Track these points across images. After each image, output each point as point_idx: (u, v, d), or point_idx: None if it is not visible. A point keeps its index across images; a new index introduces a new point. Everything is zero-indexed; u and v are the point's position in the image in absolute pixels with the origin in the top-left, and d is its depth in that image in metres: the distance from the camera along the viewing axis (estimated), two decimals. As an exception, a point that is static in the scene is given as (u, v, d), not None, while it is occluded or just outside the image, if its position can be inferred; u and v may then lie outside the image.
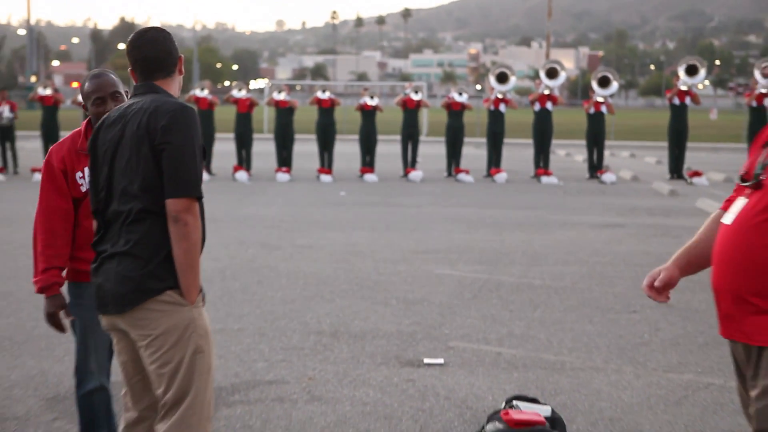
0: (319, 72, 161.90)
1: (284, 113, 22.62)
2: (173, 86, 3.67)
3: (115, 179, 3.57)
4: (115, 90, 4.28)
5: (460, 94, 23.52)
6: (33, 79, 66.62)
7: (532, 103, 23.23)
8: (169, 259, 3.50)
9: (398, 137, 23.52)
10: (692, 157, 26.69)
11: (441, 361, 6.86)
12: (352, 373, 6.57)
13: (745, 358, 3.30)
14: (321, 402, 5.95)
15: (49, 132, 22.83)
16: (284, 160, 22.40)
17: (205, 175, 21.02)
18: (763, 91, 21.90)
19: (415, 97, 23.10)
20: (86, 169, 4.22)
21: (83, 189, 4.23)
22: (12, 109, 22.47)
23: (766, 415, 3.20)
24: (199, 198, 3.51)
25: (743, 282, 3.21)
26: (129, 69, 3.72)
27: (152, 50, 3.64)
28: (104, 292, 3.58)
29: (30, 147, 26.79)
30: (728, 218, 3.28)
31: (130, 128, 3.52)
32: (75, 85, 46.69)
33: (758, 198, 3.20)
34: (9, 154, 22.35)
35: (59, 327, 4.27)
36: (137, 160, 3.50)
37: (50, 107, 23.20)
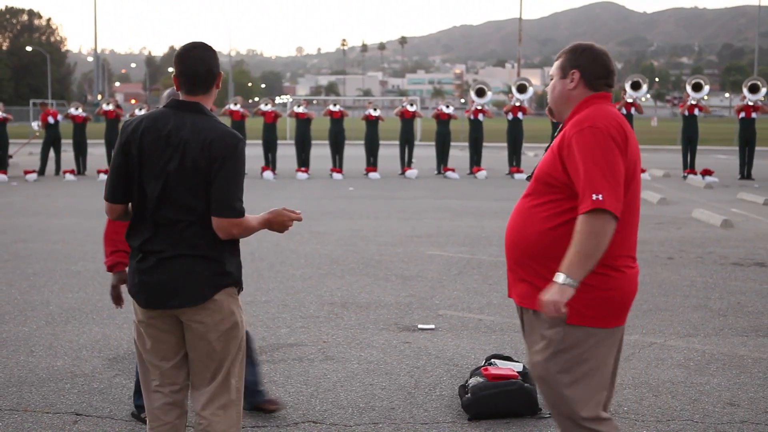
0: (331, 89, 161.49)
1: (303, 123, 22.52)
2: (210, 101, 3.45)
3: (171, 189, 3.29)
4: None
5: (447, 106, 23.41)
6: (99, 97, 66.51)
7: (506, 113, 23.10)
8: (230, 259, 3.40)
9: (397, 142, 23.42)
10: (637, 157, 26.52)
11: (432, 326, 6.80)
12: (358, 337, 6.52)
13: (519, 316, 3.39)
14: (333, 361, 5.89)
15: (112, 140, 22.73)
16: (303, 161, 22.31)
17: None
18: (693, 102, 21.81)
19: (411, 108, 22.98)
20: None
21: None
22: (41, 121, 22.42)
23: (534, 367, 3.25)
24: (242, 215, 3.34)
25: (511, 254, 3.29)
26: (173, 75, 3.47)
27: (195, 67, 3.36)
28: (167, 288, 3.33)
29: (97, 153, 26.72)
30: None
31: (192, 148, 3.26)
32: (133, 101, 46.52)
33: (528, 188, 3.31)
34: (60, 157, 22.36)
35: (118, 299, 4.21)
36: (197, 179, 3.27)
37: (113, 120, 23.24)
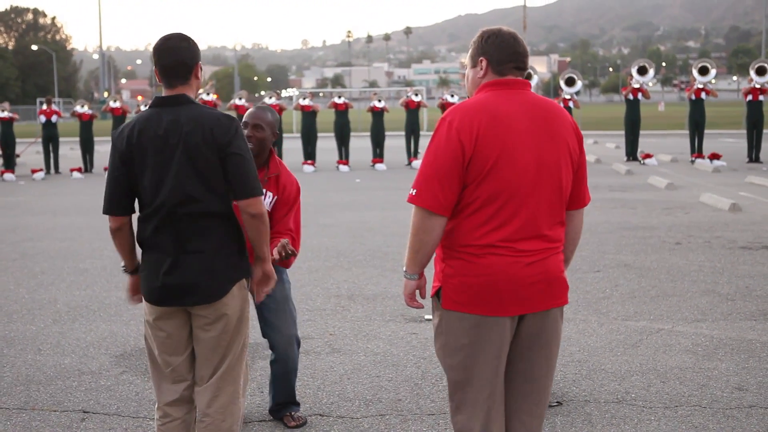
0: (337, 81, 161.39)
1: (308, 116, 22.52)
2: (191, 90, 3.37)
3: (181, 185, 3.27)
4: (257, 123, 4.29)
5: (452, 96, 23.37)
6: (105, 94, 66.59)
7: (512, 101, 23.04)
8: (241, 251, 3.40)
9: (402, 133, 23.39)
10: (644, 142, 26.48)
11: (439, 316, 6.78)
12: (365, 328, 6.51)
13: None
14: (340, 353, 5.89)
15: (118, 136, 22.80)
16: (309, 154, 22.32)
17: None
18: (700, 86, 21.72)
19: (416, 99, 22.94)
20: (269, 192, 4.26)
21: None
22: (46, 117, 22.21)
23: (438, 353, 3.24)
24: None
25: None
26: (154, 70, 3.45)
27: (170, 59, 3.33)
28: (184, 286, 3.31)
29: (104, 150, 26.78)
30: None
31: (193, 139, 3.26)
32: (140, 98, 46.50)
33: None
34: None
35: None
36: (204, 169, 3.27)
37: (119, 116, 23.43)
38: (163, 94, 3.39)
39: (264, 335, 4.45)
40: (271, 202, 4.28)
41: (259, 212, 3.32)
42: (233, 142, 3.28)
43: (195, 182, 3.27)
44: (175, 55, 3.34)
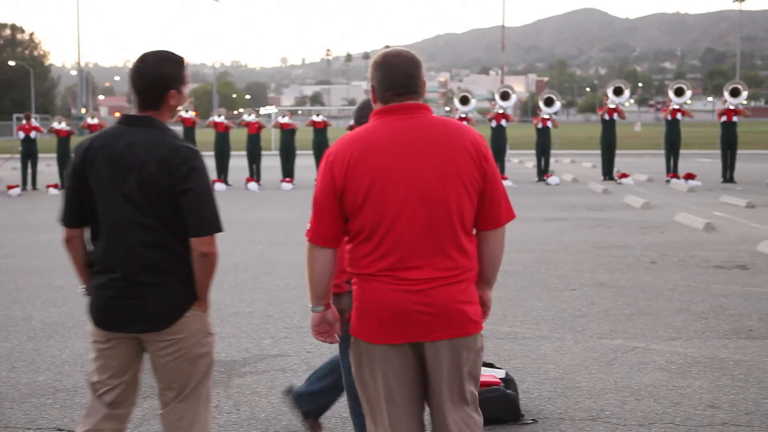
0: (316, 99, 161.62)
1: (287, 134, 22.56)
2: (162, 116, 3.26)
3: (131, 210, 3.16)
4: None
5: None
6: (83, 110, 66.28)
7: (490, 120, 23.20)
8: (190, 277, 3.25)
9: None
10: (621, 162, 26.71)
11: (416, 334, 6.79)
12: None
13: None
14: (317, 371, 5.89)
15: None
16: (288, 172, 22.33)
17: (222, 186, 21.20)
18: (676, 107, 21.97)
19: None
20: None
21: None
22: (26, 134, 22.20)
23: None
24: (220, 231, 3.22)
25: None
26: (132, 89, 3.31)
27: (142, 83, 3.22)
28: (131, 313, 3.22)
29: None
30: None
31: (148, 165, 3.13)
32: (117, 115, 46.37)
33: None
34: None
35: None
36: (156, 197, 3.14)
37: (96, 133, 23.28)
38: (132, 113, 3.29)
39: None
40: None
41: (209, 252, 3.19)
42: (191, 176, 3.14)
43: (144, 210, 3.16)
44: (145, 82, 3.22)
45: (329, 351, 6.32)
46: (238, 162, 25.94)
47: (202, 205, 3.16)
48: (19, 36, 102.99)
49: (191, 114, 23.50)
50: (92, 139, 3.29)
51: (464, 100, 23.58)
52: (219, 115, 23.01)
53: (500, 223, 3.10)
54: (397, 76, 3.03)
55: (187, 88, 3.38)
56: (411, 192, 2.96)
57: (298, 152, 22.93)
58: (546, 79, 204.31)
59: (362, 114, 4.05)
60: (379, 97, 3.07)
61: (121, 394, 3.38)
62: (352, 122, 21.12)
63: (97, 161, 3.21)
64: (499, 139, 22.63)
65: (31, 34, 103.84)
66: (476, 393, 3.15)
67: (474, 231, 3.10)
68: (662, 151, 23.38)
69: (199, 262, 3.20)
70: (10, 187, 20.90)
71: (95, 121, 23.53)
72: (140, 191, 3.15)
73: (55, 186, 21.38)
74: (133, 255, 3.19)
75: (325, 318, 3.21)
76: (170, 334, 3.27)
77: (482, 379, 4.94)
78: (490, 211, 3.06)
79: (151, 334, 3.27)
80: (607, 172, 22.76)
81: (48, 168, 23.65)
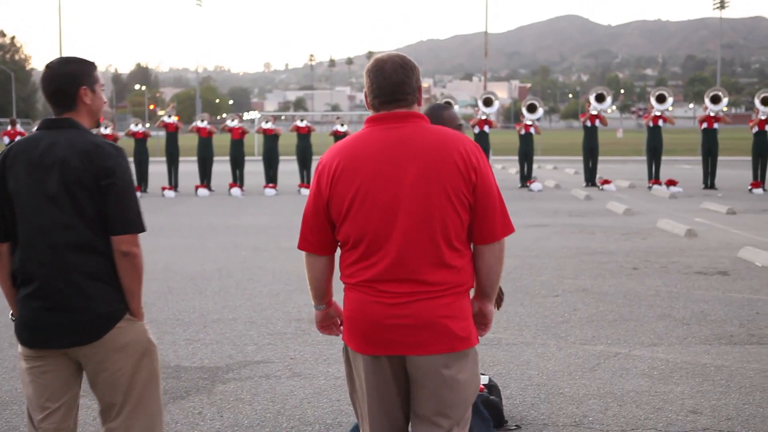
0: (300, 104, 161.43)
1: (270, 139, 22.53)
2: (82, 117, 3.17)
3: (55, 213, 3.04)
4: (456, 123, 4.01)
5: (342, 125, 23.68)
6: (64, 115, 65.92)
7: (473, 126, 23.26)
8: (120, 283, 3.14)
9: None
10: (603, 168, 26.85)
11: (399, 340, 6.79)
12: (326, 352, 6.51)
13: None
14: (301, 377, 5.88)
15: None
16: (271, 177, 22.29)
17: (205, 192, 21.15)
18: (658, 114, 22.12)
19: (342, 129, 23.20)
20: None
21: None
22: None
23: None
24: (143, 231, 3.13)
25: None
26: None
27: (49, 88, 3.15)
28: (58, 326, 3.06)
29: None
30: None
31: (70, 162, 3.03)
32: (99, 119, 46.03)
33: None
34: None
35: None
36: (79, 193, 3.04)
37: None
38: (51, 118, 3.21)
39: None
40: None
41: (130, 251, 3.08)
42: (115, 171, 3.06)
43: (68, 209, 3.04)
44: (54, 84, 3.15)
45: (313, 357, 6.32)
46: (221, 167, 25.87)
47: (124, 202, 3.08)
48: (0, 40, 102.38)
49: (174, 119, 23.42)
50: (11, 146, 3.18)
51: (488, 102, 23.64)
52: (202, 120, 22.96)
53: (495, 238, 3.00)
54: (384, 83, 2.97)
55: (103, 89, 3.29)
56: (393, 204, 2.92)
57: (281, 158, 22.90)
58: (528, 85, 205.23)
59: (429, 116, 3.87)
60: (370, 104, 3.05)
61: (62, 420, 3.20)
62: (335, 128, 21.08)
63: (17, 165, 3.11)
64: (481, 145, 22.65)
65: (12, 38, 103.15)
66: (463, 414, 3.05)
67: (471, 244, 3.06)
68: (644, 158, 23.52)
69: (121, 263, 3.08)
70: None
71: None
72: (63, 189, 3.05)
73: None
74: (57, 260, 3.05)
75: (327, 314, 3.28)
76: (101, 347, 3.11)
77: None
78: (484, 225, 2.97)
79: (82, 348, 3.11)
80: (590, 179, 22.87)
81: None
